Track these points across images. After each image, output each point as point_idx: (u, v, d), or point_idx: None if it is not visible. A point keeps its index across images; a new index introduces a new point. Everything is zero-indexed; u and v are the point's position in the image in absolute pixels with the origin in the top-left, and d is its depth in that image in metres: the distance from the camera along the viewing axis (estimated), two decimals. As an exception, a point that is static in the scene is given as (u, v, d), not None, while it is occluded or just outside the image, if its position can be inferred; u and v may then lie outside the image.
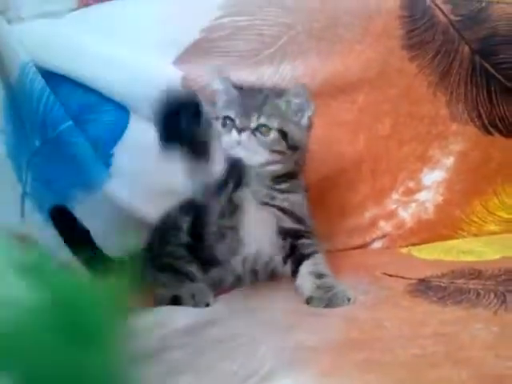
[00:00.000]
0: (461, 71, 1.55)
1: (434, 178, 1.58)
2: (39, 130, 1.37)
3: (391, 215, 1.59)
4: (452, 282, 1.10)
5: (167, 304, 1.15)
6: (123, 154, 1.46)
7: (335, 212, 1.57)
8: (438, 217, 1.58)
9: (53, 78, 1.39)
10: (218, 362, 0.82)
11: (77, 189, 1.41)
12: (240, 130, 1.11)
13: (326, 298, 1.04)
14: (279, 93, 1.19)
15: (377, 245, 1.59)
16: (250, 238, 1.19)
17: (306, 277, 1.12)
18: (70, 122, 1.38)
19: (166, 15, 1.43)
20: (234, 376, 0.78)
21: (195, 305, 1.13)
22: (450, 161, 1.58)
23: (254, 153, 1.13)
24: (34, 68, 1.36)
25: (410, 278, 1.16)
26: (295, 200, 1.21)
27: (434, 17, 1.53)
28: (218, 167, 1.02)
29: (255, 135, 1.12)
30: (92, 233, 1.39)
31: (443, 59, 1.55)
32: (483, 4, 1.54)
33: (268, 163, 1.15)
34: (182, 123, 0.96)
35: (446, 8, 1.53)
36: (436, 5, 1.53)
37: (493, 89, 1.56)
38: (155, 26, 1.42)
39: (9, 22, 1.39)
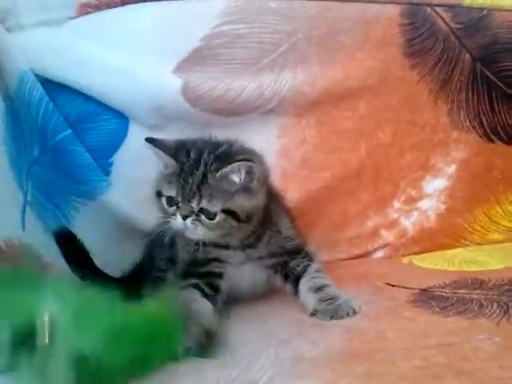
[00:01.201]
0: (462, 79, 1.55)
1: (435, 186, 1.57)
2: (38, 138, 1.37)
3: (393, 224, 1.58)
4: (454, 292, 1.08)
5: None
6: (122, 163, 1.46)
7: (336, 221, 1.56)
8: (440, 225, 1.57)
9: (52, 86, 1.39)
10: (217, 370, 0.81)
11: (76, 197, 1.40)
12: (185, 217, 1.03)
13: (331, 310, 1.02)
14: (219, 166, 1.03)
15: (379, 254, 1.58)
16: (240, 285, 1.18)
17: (306, 294, 1.11)
18: (69, 131, 1.38)
19: (165, 23, 1.43)
20: (233, 383, 0.77)
21: None
22: (451, 169, 1.57)
23: (204, 234, 1.05)
24: (33, 76, 1.36)
25: (413, 288, 1.15)
26: (267, 240, 1.15)
27: (435, 24, 1.53)
28: None
29: (200, 219, 1.03)
30: (91, 241, 1.38)
31: (444, 67, 1.54)
32: (484, 12, 1.53)
33: (224, 235, 1.08)
34: None
35: (447, 16, 1.53)
36: (437, 12, 1.53)
37: (494, 96, 1.56)
38: (155, 34, 1.42)
39: (8, 30, 1.39)
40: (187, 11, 1.43)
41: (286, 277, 1.17)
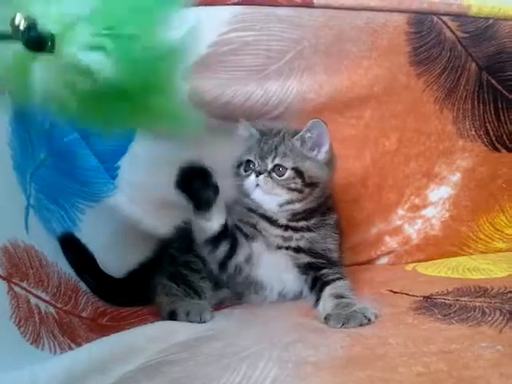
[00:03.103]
0: (468, 88, 1.55)
1: (440, 194, 1.58)
2: (45, 141, 1.38)
3: (397, 231, 1.58)
4: (457, 300, 1.08)
5: (165, 316, 1.15)
6: (129, 167, 1.47)
7: (341, 228, 1.55)
8: (445, 233, 1.57)
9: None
10: (220, 374, 0.82)
11: (82, 200, 1.41)
12: (258, 173, 1.18)
13: (344, 316, 1.02)
14: (296, 132, 1.22)
15: (382, 261, 1.58)
16: (271, 282, 1.24)
17: (325, 298, 1.12)
18: (76, 134, 1.39)
19: (173, 30, 1.44)
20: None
21: (189, 322, 1.13)
22: (456, 177, 1.57)
23: (272, 193, 1.18)
24: (42, 80, 1.37)
25: (415, 295, 1.15)
26: (312, 237, 1.23)
27: (441, 33, 1.54)
28: (215, 225, 1.18)
29: (271, 176, 1.18)
30: (96, 243, 1.39)
31: (450, 75, 1.55)
32: (490, 21, 1.54)
33: (287, 202, 1.20)
34: (195, 184, 1.13)
35: (453, 25, 1.54)
36: (443, 21, 1.53)
37: (500, 106, 1.56)
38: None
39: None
40: (195, 18, 1.44)
41: (313, 285, 1.20)
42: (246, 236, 1.22)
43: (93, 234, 1.41)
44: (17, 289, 1.01)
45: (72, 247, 1.36)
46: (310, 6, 1.48)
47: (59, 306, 1.17)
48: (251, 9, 1.45)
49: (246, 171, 1.23)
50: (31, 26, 0.74)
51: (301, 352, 0.88)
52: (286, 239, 1.22)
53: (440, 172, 1.58)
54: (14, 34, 0.74)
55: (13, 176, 1.19)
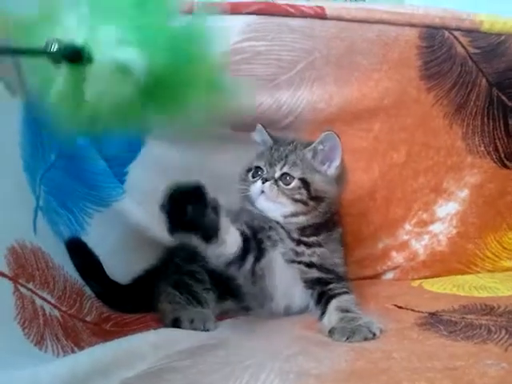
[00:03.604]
0: (478, 103, 1.55)
1: (448, 210, 1.57)
2: (56, 143, 1.38)
3: (403, 246, 1.57)
4: (463, 317, 1.07)
5: (169, 323, 1.15)
6: (138, 172, 1.48)
7: (348, 241, 1.54)
8: (451, 250, 1.56)
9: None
10: (222, 383, 0.81)
11: (90, 204, 1.41)
12: (265, 180, 1.18)
13: (349, 330, 1.00)
14: (309, 143, 1.22)
15: (388, 276, 1.57)
16: (279, 295, 1.22)
17: (331, 312, 1.11)
18: (87, 138, 1.39)
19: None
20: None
21: (193, 329, 1.12)
22: (464, 193, 1.56)
23: (276, 202, 1.17)
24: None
25: (421, 311, 1.14)
26: (323, 253, 1.22)
27: (453, 48, 1.54)
28: (231, 246, 1.10)
29: (277, 184, 1.18)
30: (103, 248, 1.39)
31: (460, 91, 1.55)
32: (502, 37, 1.54)
33: (292, 214, 1.19)
34: (188, 213, 0.99)
35: (465, 40, 1.54)
36: (455, 37, 1.53)
37: (510, 122, 1.55)
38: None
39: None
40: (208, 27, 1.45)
41: (319, 299, 1.18)
42: (270, 240, 1.20)
43: (100, 238, 1.41)
44: (23, 290, 1.01)
45: (78, 251, 1.36)
46: (323, 17, 1.49)
47: (64, 309, 1.17)
48: (264, 19, 1.46)
49: (253, 177, 1.22)
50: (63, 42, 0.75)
51: (303, 364, 0.88)
52: (298, 254, 1.20)
53: (448, 187, 1.57)
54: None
55: (23, 177, 1.20)
